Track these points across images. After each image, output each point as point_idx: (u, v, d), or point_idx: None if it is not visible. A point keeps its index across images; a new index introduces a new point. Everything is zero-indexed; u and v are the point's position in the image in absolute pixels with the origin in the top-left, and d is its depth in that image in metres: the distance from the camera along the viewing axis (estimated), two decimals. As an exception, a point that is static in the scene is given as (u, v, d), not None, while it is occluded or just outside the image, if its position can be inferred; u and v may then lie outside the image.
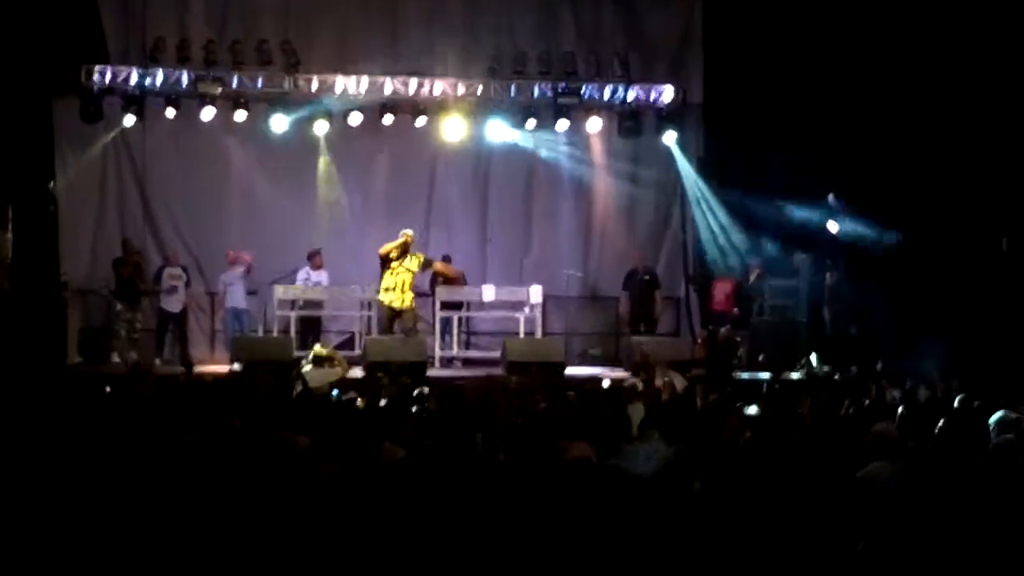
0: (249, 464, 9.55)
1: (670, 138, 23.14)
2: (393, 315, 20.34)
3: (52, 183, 21.76)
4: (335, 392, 14.62)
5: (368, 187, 23.30)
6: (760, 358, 21.59)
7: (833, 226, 22.10)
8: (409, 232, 20.37)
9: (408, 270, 20.27)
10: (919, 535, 7.17)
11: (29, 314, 19.68)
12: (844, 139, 21.61)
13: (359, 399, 13.57)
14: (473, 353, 21.74)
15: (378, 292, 20.45)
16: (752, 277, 22.51)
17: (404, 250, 20.24)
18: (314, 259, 21.87)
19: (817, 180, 22.08)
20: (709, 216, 23.58)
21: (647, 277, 22.59)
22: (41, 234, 21.70)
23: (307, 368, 18.25)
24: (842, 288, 21.86)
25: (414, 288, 20.53)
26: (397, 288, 20.21)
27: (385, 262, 20.20)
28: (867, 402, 13.77)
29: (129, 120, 21.87)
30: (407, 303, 20.36)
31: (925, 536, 7.13)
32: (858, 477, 9.21)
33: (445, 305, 21.36)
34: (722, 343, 21.15)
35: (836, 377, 19.10)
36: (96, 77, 21.63)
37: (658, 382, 16.91)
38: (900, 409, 12.01)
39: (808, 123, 21.79)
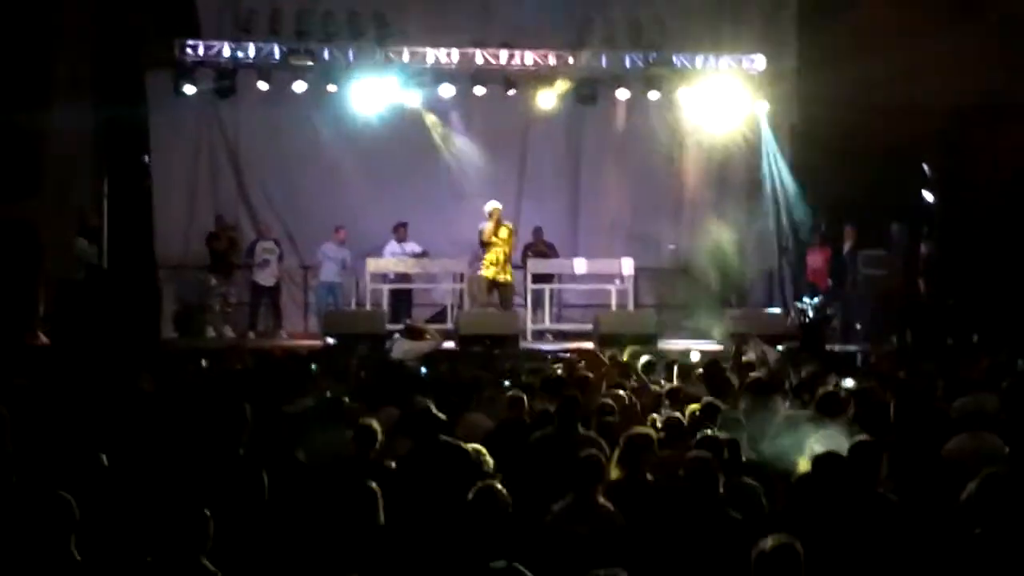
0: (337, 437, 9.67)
1: (762, 108, 22.94)
2: (492, 287, 20.38)
3: (146, 157, 21.89)
4: (423, 370, 14.70)
5: (460, 159, 23.20)
6: (858, 326, 21.44)
7: (928, 195, 21.83)
8: (494, 205, 20.37)
9: (504, 241, 20.31)
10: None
11: (125, 289, 19.81)
12: (940, 109, 21.28)
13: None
14: (565, 326, 21.65)
15: (478, 268, 20.54)
16: (846, 247, 22.23)
17: (496, 224, 20.28)
18: (399, 232, 21.88)
19: (913, 149, 21.78)
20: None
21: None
22: (136, 208, 21.86)
23: (399, 340, 18.26)
24: (938, 258, 21.61)
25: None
26: (499, 263, 20.28)
27: (487, 244, 20.29)
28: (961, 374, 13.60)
29: (222, 93, 21.95)
30: (508, 277, 20.41)
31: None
32: (943, 452, 9.15)
33: (537, 278, 21.31)
34: (816, 315, 20.99)
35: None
36: (189, 51, 21.72)
37: (751, 355, 16.84)
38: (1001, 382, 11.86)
39: (904, 89, 21.51)
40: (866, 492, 7.72)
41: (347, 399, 11.24)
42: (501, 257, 20.36)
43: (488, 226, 20.33)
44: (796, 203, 23.23)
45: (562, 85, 22.66)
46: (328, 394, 11.43)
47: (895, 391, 11.16)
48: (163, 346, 19.18)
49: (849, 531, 7.33)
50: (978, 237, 21.26)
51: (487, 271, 20.38)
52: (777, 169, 23.65)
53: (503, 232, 20.40)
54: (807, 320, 20.40)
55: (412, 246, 21.94)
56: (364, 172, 22.67)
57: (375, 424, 9.35)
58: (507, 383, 13.22)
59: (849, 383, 12.73)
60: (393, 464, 9.12)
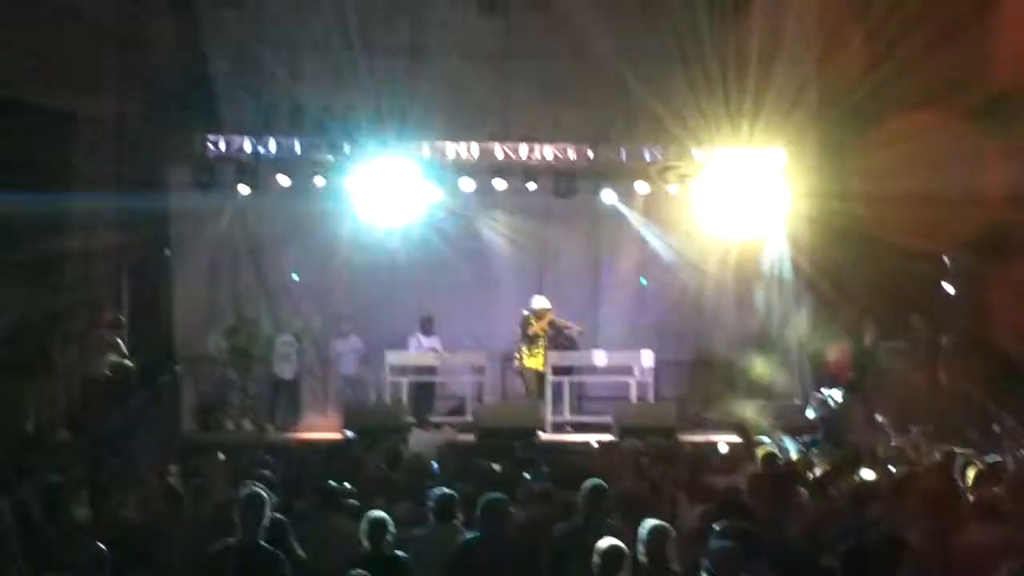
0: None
1: (781, 201, 22.95)
2: (540, 378, 20.41)
3: (167, 250, 21.98)
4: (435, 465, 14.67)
5: (481, 251, 23.23)
6: (879, 419, 21.32)
7: (949, 286, 21.76)
8: (540, 305, 20.44)
9: (544, 330, 20.35)
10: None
11: (145, 384, 19.84)
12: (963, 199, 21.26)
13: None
14: (584, 418, 21.57)
15: (519, 359, 20.65)
16: (867, 339, 22.16)
17: (540, 318, 20.34)
18: (425, 325, 21.92)
19: (934, 241, 21.76)
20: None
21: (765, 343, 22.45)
22: (156, 302, 21.94)
23: (415, 433, 18.23)
24: (959, 349, 21.51)
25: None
26: (540, 354, 20.32)
27: (535, 337, 20.35)
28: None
29: (243, 188, 22.03)
30: (544, 367, 20.46)
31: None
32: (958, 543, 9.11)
33: (556, 370, 21.30)
34: (837, 407, 20.90)
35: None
36: (211, 145, 21.82)
37: (771, 449, 16.72)
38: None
39: (925, 182, 21.54)
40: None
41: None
42: (541, 348, 20.42)
43: (539, 325, 20.39)
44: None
45: (582, 179, 22.69)
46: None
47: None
48: (184, 440, 19.19)
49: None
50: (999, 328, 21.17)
51: (529, 361, 20.45)
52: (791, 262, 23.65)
53: (543, 324, 20.49)
54: (829, 412, 20.33)
55: (435, 340, 21.93)
56: (384, 266, 22.69)
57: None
58: (528, 475, 13.23)
59: (869, 475, 12.70)
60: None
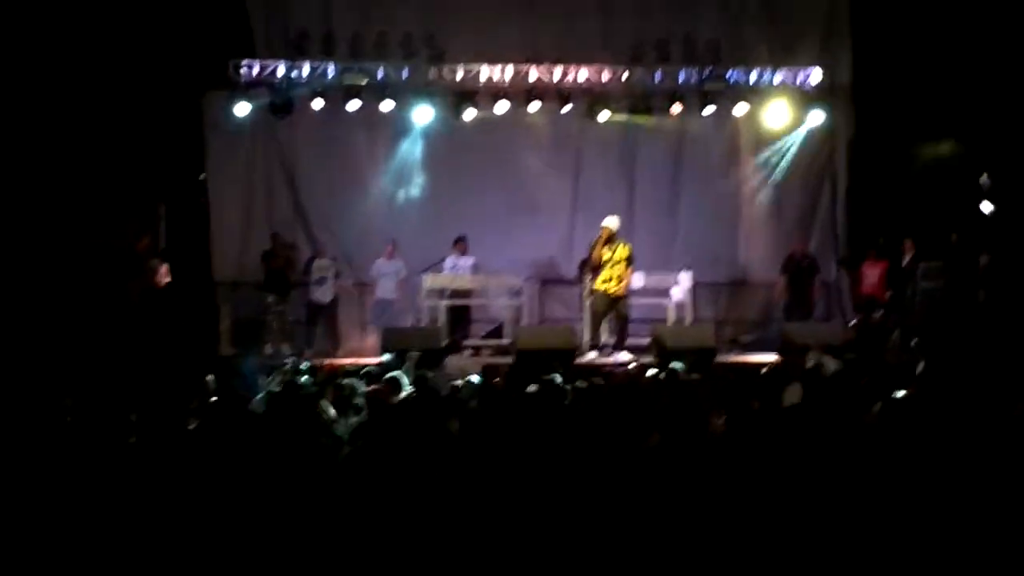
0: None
1: (818, 121, 22.88)
2: (610, 302, 20.27)
3: (202, 175, 22.03)
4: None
5: (515, 174, 23.20)
6: (913, 343, 21.26)
7: (987, 206, 21.66)
8: (605, 225, 20.27)
9: (621, 259, 20.19)
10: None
11: (183, 308, 19.94)
12: (998, 120, 21.14)
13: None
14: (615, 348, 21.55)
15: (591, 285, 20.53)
16: (905, 259, 22.08)
17: (608, 241, 20.16)
18: (459, 245, 21.92)
19: (971, 161, 21.67)
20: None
21: (806, 263, 22.37)
22: (192, 228, 22.03)
23: (449, 357, 18.19)
24: (996, 270, 21.43)
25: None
26: (614, 279, 20.15)
27: (602, 263, 20.20)
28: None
29: (277, 112, 22.06)
30: (621, 290, 20.28)
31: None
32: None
33: (590, 292, 21.22)
34: (874, 327, 20.88)
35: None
36: (244, 71, 21.85)
37: (809, 364, 16.74)
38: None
39: (962, 102, 21.42)
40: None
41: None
42: (614, 274, 20.20)
43: (601, 247, 20.19)
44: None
45: (616, 100, 22.65)
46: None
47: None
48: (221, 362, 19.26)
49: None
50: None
51: (600, 285, 20.26)
52: (834, 182, 23.63)
53: (622, 250, 20.23)
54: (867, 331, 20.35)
55: (470, 260, 21.95)
56: (420, 188, 22.76)
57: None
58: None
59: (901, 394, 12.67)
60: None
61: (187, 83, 21.71)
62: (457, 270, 21.82)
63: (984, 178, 21.57)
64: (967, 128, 21.49)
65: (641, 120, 22.97)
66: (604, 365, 19.08)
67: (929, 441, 8.90)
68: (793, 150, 23.44)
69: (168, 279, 20.11)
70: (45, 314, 18.31)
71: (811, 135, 23.27)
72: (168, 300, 20.00)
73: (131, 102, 20.87)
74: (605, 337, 20.95)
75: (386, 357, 18.29)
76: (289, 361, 17.18)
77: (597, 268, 20.24)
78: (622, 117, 22.91)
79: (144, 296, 19.91)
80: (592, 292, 20.54)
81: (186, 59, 21.33)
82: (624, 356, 19.62)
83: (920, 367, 16.41)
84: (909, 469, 8.12)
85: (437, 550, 7.12)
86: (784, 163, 23.49)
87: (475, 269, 21.99)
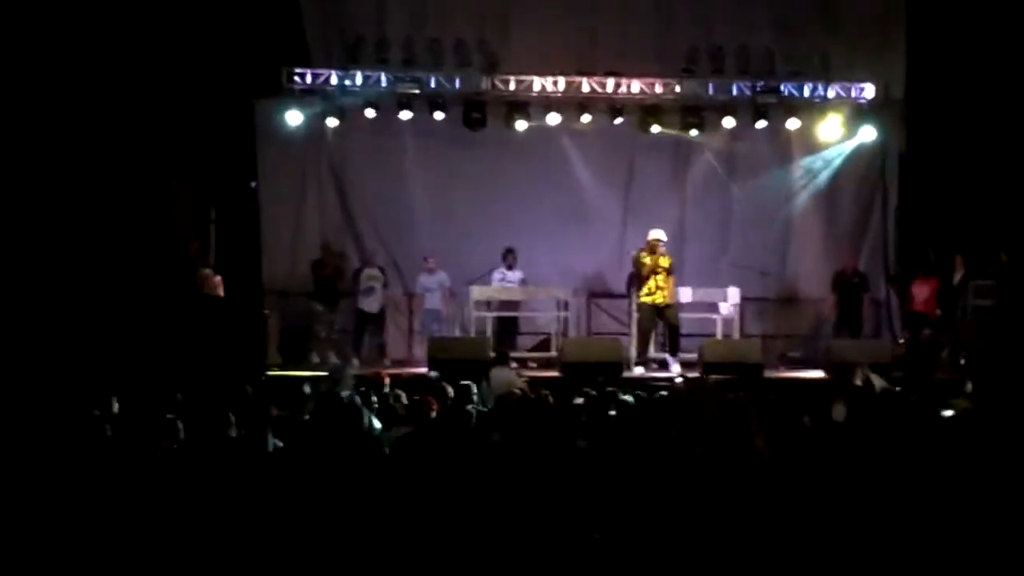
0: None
1: (871, 136, 22.78)
2: (656, 313, 20.25)
3: (254, 183, 22.10)
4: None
5: (565, 186, 23.15)
6: (962, 362, 21.15)
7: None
8: (654, 236, 20.27)
9: (663, 268, 20.18)
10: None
11: (232, 315, 19.98)
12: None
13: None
14: (669, 355, 21.49)
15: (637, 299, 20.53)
16: (956, 277, 21.93)
17: (651, 251, 20.16)
18: (507, 258, 21.91)
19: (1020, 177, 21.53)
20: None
21: (856, 279, 22.27)
22: (243, 235, 22.10)
23: (496, 370, 18.13)
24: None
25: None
26: (657, 290, 20.14)
27: (646, 274, 20.19)
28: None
29: (329, 121, 22.14)
30: (669, 299, 20.25)
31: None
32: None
33: (637, 306, 21.17)
34: (924, 344, 20.75)
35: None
36: (297, 79, 21.93)
37: (857, 382, 16.66)
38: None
39: (1017, 118, 21.31)
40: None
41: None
42: (657, 282, 20.18)
43: (649, 259, 20.21)
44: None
45: (669, 112, 22.62)
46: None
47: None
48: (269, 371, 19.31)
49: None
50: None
51: (645, 298, 20.24)
52: (885, 198, 23.53)
53: (664, 261, 20.23)
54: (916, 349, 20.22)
55: (518, 274, 21.94)
56: (470, 199, 22.77)
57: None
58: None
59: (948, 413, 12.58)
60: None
61: (240, 90, 21.84)
62: (505, 283, 21.80)
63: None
64: (1019, 142, 21.35)
65: (693, 133, 22.86)
66: (651, 379, 19.04)
67: (978, 462, 8.82)
68: (837, 163, 23.34)
69: (221, 291, 20.12)
70: (93, 317, 18.35)
71: (863, 149, 23.15)
72: (220, 309, 20.01)
73: (185, 107, 21.02)
74: (653, 351, 20.94)
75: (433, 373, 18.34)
76: (332, 367, 17.18)
77: (645, 278, 20.23)
78: (674, 130, 22.81)
79: (194, 304, 19.93)
80: (639, 307, 20.53)
81: (239, 66, 21.47)
82: (676, 368, 19.58)
83: (969, 386, 16.35)
84: (955, 489, 8.06)
85: (475, 560, 7.10)
86: (828, 172, 23.39)
87: (523, 283, 21.97)
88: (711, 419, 12.24)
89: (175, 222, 21.05)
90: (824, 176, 23.45)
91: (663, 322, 20.52)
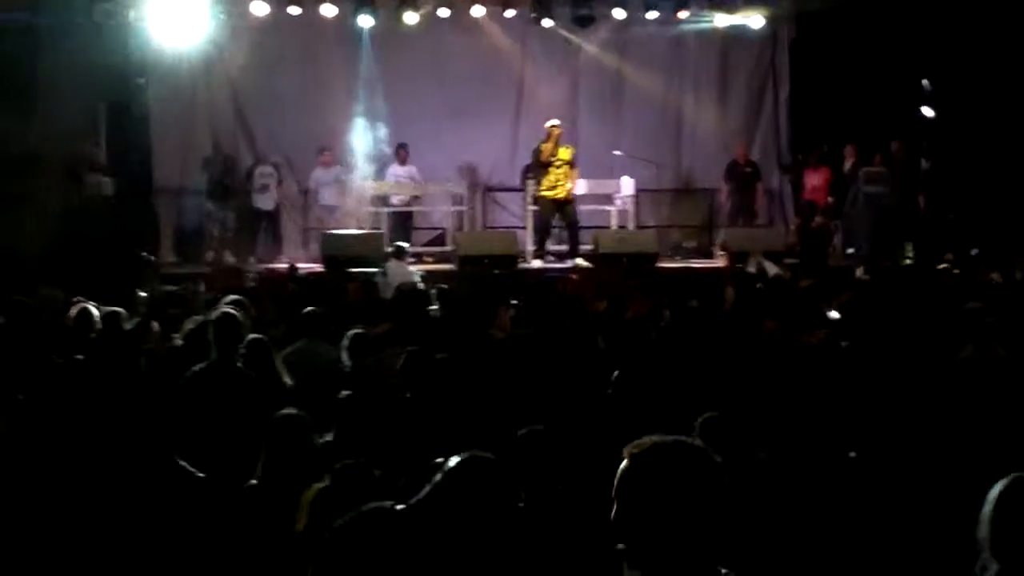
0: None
1: (760, 25, 22.86)
2: (556, 208, 20.25)
3: (143, 80, 21.78)
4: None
5: (456, 82, 23.03)
6: (848, 251, 21.45)
7: (928, 111, 21.69)
8: (555, 123, 20.23)
9: (564, 161, 20.14)
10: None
11: (124, 215, 19.79)
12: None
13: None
14: (565, 246, 21.53)
15: (536, 191, 20.47)
16: (847, 166, 22.16)
17: (556, 143, 20.12)
18: (399, 154, 21.80)
19: (912, 64, 21.72)
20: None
21: (749, 169, 22.43)
22: (133, 134, 21.80)
23: (391, 263, 18.13)
24: (937, 174, 21.55)
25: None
26: (560, 184, 20.11)
27: (544, 164, 20.14)
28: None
29: (218, 17, 21.81)
30: (566, 194, 20.24)
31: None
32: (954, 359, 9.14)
33: (535, 199, 21.16)
34: (815, 232, 20.99)
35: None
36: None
37: (751, 269, 16.86)
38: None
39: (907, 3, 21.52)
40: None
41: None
42: (559, 176, 20.15)
43: (547, 144, 20.16)
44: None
45: (560, 4, 22.53)
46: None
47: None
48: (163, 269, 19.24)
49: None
50: (977, 152, 21.22)
51: (545, 192, 20.20)
52: (776, 88, 23.67)
53: (565, 152, 20.19)
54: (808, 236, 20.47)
55: (412, 169, 21.84)
56: (362, 95, 22.57)
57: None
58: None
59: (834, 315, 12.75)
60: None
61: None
62: (397, 179, 21.70)
63: (925, 82, 21.57)
64: (907, 33, 21.50)
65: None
66: (548, 270, 19.13)
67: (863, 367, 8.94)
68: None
69: (110, 192, 19.90)
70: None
71: (753, 37, 23.23)
72: (109, 209, 19.81)
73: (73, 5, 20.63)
74: (550, 244, 21.03)
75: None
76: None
77: (545, 167, 20.20)
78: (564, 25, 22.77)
79: (84, 203, 19.72)
80: (536, 199, 20.53)
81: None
82: (581, 263, 19.63)
83: (859, 271, 16.59)
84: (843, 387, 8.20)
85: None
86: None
87: (413, 179, 21.88)
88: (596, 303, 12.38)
89: (63, 120, 20.72)
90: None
91: (562, 217, 20.55)
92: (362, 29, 22.22)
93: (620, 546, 3.72)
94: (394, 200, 21.68)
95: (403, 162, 21.79)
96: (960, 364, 9.00)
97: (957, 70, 21.27)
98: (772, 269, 16.92)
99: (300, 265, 19.54)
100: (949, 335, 9.68)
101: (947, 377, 8.45)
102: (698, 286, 14.46)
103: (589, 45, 23.40)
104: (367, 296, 14.14)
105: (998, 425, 7.06)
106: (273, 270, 19.57)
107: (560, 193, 20.17)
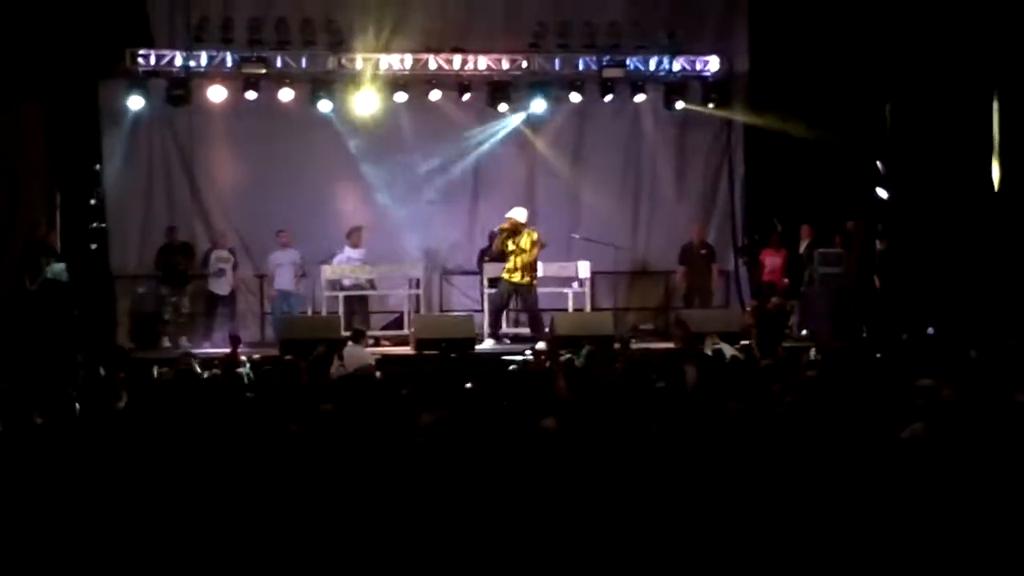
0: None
1: (716, 110, 23.08)
2: (512, 290, 20.26)
3: (99, 165, 21.81)
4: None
5: (414, 164, 23.09)
6: (803, 332, 21.53)
7: (883, 192, 21.85)
8: (510, 217, 20.26)
9: (522, 249, 20.13)
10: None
11: (80, 302, 19.75)
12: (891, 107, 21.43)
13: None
14: (522, 330, 21.52)
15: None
16: (802, 246, 22.29)
17: (513, 233, 20.12)
18: (352, 236, 21.79)
19: (865, 149, 21.93)
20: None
21: (704, 251, 22.51)
22: (89, 220, 21.81)
23: (349, 347, 18.07)
24: (893, 254, 21.68)
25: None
26: (519, 269, 20.12)
27: (502, 254, 20.19)
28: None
29: (175, 102, 21.86)
30: (526, 279, 20.22)
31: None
32: (901, 438, 9.11)
33: (492, 282, 21.19)
34: (772, 313, 21.03)
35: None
36: (141, 60, 21.63)
37: (708, 351, 16.85)
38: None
39: (855, 93, 21.72)
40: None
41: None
42: (516, 263, 20.16)
43: (499, 238, 20.21)
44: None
45: (516, 88, 22.68)
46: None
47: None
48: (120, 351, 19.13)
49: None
50: (932, 232, 21.40)
51: (506, 274, 20.22)
52: (732, 171, 23.83)
53: (524, 240, 20.20)
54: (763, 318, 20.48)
55: (362, 253, 21.80)
56: (318, 179, 22.61)
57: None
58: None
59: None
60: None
61: (84, 71, 21.46)
62: (351, 261, 21.66)
63: (880, 164, 21.75)
64: (862, 114, 21.72)
65: (539, 110, 22.97)
66: (503, 352, 19.09)
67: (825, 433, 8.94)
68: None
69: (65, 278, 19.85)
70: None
71: (708, 119, 23.43)
72: (66, 295, 19.75)
73: (29, 89, 20.67)
74: (506, 326, 21.02)
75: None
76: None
77: (499, 258, 20.29)
78: (519, 108, 22.93)
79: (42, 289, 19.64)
80: (497, 281, 20.57)
81: (81, 47, 21.08)
82: (541, 346, 19.59)
83: (812, 354, 16.62)
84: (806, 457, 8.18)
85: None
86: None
87: (363, 263, 21.81)
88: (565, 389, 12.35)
89: (20, 207, 20.72)
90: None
91: (521, 301, 20.58)
92: (320, 112, 22.23)
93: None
94: (345, 283, 21.60)
95: (355, 245, 21.75)
96: (906, 443, 8.98)
97: (910, 149, 21.48)
98: (728, 351, 16.92)
99: (256, 351, 19.49)
100: (898, 413, 9.67)
101: (891, 456, 8.44)
102: (658, 367, 14.43)
103: (545, 132, 23.47)
104: (314, 377, 14.04)
105: (943, 503, 7.04)
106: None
107: (517, 277, 20.17)
